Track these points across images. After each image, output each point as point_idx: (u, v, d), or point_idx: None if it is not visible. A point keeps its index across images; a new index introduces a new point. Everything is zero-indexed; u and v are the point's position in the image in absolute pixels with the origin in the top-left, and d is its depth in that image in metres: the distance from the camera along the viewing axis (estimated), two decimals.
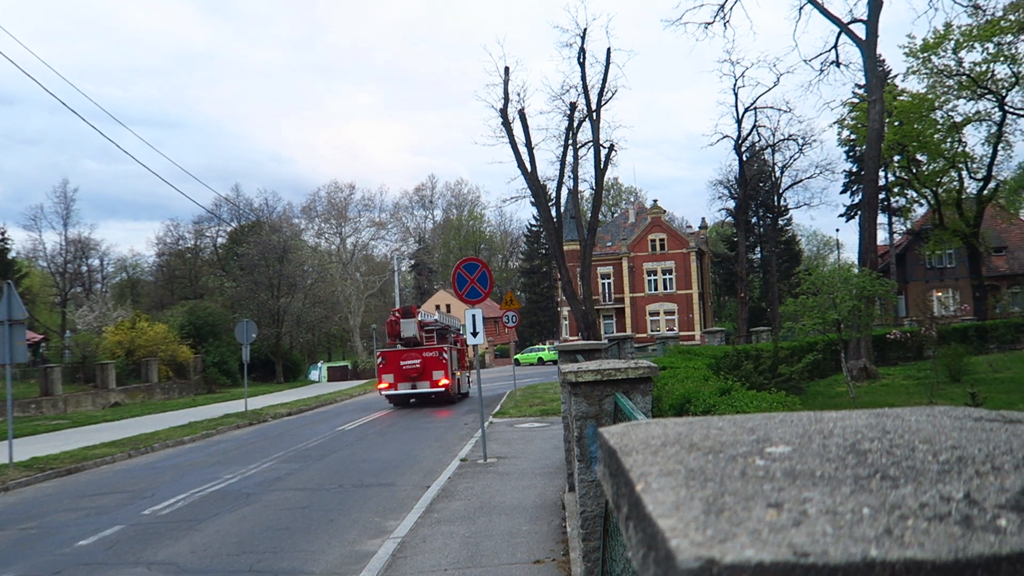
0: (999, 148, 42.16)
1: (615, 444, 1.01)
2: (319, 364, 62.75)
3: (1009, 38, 38.83)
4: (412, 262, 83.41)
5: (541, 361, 57.86)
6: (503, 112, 30.43)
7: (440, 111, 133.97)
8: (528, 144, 30.92)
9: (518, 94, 33.49)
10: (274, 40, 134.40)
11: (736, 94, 47.07)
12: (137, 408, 31.91)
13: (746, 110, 46.56)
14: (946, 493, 0.63)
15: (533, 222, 73.22)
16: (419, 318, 26.50)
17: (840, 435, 0.85)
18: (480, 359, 63.31)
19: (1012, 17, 38.63)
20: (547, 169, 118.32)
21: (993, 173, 43.68)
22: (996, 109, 41.25)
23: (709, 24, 32.48)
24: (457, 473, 12.43)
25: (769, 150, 53.70)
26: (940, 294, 54.89)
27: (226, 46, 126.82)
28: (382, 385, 26.31)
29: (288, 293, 55.72)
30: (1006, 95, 40.45)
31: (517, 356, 57.41)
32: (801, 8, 30.20)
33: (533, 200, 33.33)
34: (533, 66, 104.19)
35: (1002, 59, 39.21)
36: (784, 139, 50.53)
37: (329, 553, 8.30)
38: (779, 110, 53.80)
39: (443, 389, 25.81)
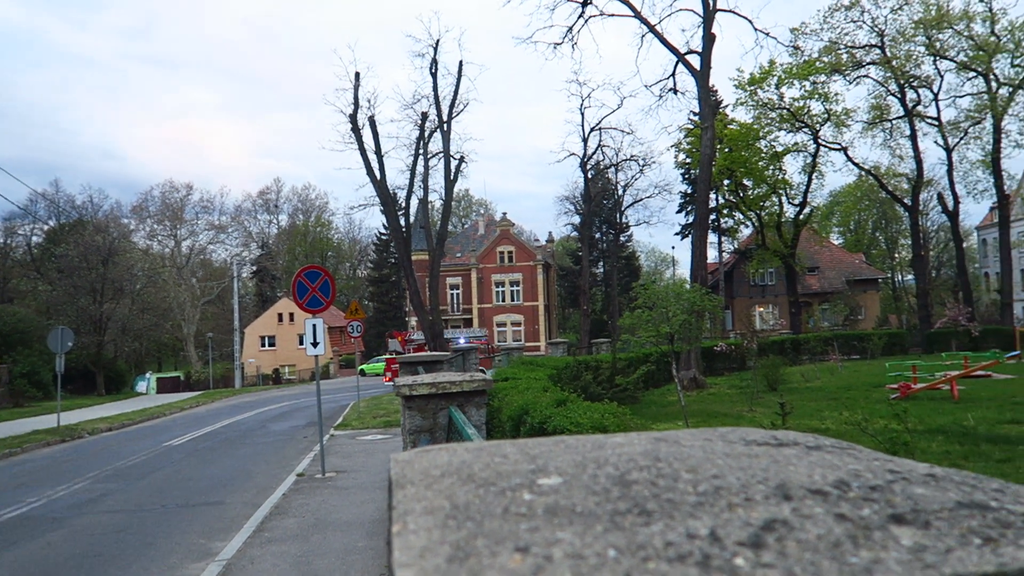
0: (813, 177, 46.46)
1: (395, 474, 0.95)
2: (147, 375, 58.56)
3: (823, 78, 42.95)
4: (254, 268, 79.85)
5: None
6: (353, 118, 29.85)
7: (286, 113, 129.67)
8: (378, 152, 30.51)
9: (368, 101, 33.00)
10: (104, 27, 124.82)
11: (583, 114, 49.13)
12: None
13: (592, 130, 48.43)
14: (693, 529, 0.61)
15: (382, 231, 72.31)
16: (406, 337, 33.95)
17: (614, 464, 0.84)
18: (324, 370, 61.45)
19: (826, 59, 42.78)
20: (397, 178, 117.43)
21: (808, 200, 48.04)
22: (811, 142, 45.44)
23: (558, 44, 33.53)
24: (293, 489, 11.94)
25: (612, 169, 56.14)
26: (762, 309, 59.50)
27: (47, 29, 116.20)
28: (386, 379, 32.68)
29: (113, 298, 51.55)
30: (820, 129, 44.64)
31: (363, 366, 56.31)
32: (643, 36, 31.85)
33: (382, 208, 32.90)
34: (385, 73, 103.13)
35: (817, 97, 43.28)
36: (626, 159, 53.04)
37: None
38: (622, 131, 56.51)
39: None
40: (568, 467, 0.84)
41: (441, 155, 32.30)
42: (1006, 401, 18.05)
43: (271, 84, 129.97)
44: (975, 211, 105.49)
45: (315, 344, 13.16)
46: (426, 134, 32.28)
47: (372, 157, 30.45)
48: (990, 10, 41.21)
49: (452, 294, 63.54)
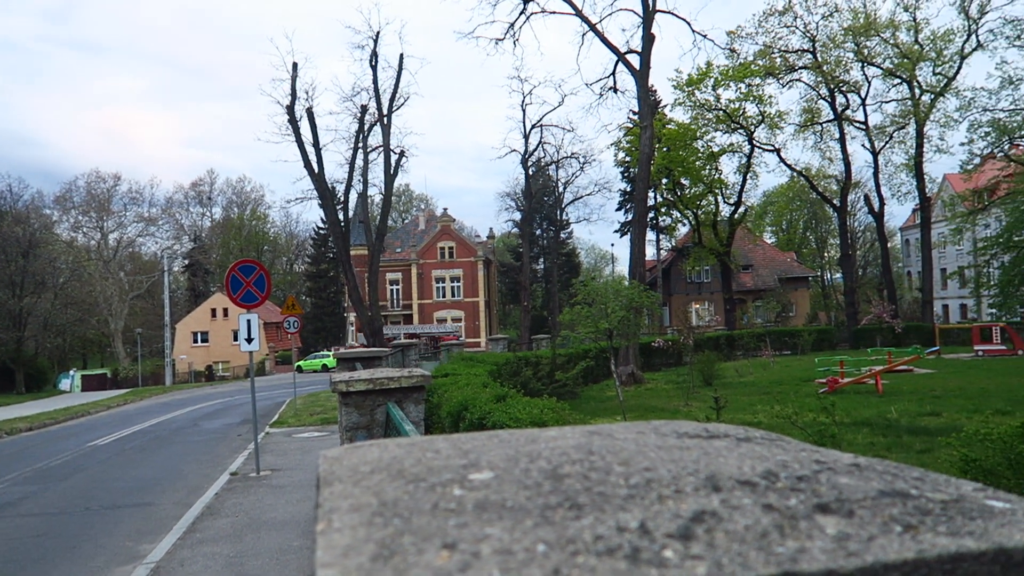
0: (748, 177, 47.62)
1: (324, 471, 0.93)
2: (71, 372, 56.38)
3: (758, 81, 44.03)
4: (186, 262, 77.66)
5: (326, 368, 56.25)
6: (290, 109, 29.27)
7: (220, 102, 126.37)
8: (316, 144, 29.99)
9: (306, 92, 32.40)
10: (24, 8, 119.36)
11: (524, 110, 49.14)
12: None
13: (533, 127, 48.62)
14: (624, 522, 0.61)
15: (320, 225, 71.16)
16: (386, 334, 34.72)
17: (547, 458, 0.83)
18: (259, 366, 60.06)
19: (761, 62, 43.86)
20: (336, 171, 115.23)
21: (743, 199, 49.23)
22: (746, 143, 46.55)
23: (500, 40, 33.49)
24: (226, 488, 11.65)
25: (553, 166, 56.48)
26: (698, 306, 60.76)
27: None
28: None
29: (34, 292, 49.44)
30: (754, 131, 45.76)
31: (300, 363, 55.37)
32: (584, 35, 32.07)
33: (320, 202, 32.35)
34: (323, 64, 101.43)
35: (752, 99, 44.34)
36: (567, 157, 53.46)
37: None
38: (563, 129, 57.08)
39: None
40: (500, 461, 0.83)
41: (381, 149, 31.96)
42: (926, 395, 18.86)
43: (203, 72, 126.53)
44: (899, 212, 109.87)
45: (249, 340, 12.87)
46: (366, 127, 31.88)
47: (310, 150, 29.94)
48: (914, 20, 42.93)
49: (392, 289, 63.01)
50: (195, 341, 64.89)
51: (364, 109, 31.77)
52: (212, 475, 13.07)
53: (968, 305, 59.23)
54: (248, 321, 12.83)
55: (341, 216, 31.88)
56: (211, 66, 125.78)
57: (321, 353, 60.75)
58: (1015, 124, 40.09)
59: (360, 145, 31.77)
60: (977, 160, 41.83)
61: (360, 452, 1.00)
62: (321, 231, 72.00)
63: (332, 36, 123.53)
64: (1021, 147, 41.07)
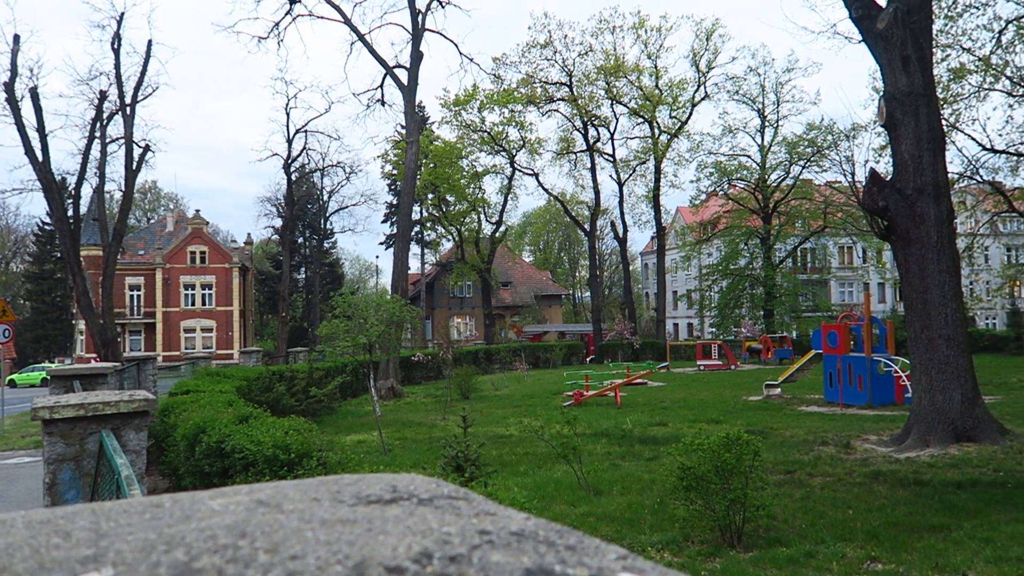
0: (509, 198, 49.87)
1: None
2: None
3: (520, 107, 46.31)
4: None
5: (46, 381, 49.72)
6: (8, 87, 25.64)
7: None
8: (41, 129, 26.52)
9: (31, 69, 28.42)
10: None
11: (288, 114, 47.46)
12: None
13: (297, 131, 47.02)
14: None
15: (46, 220, 63.04)
16: None
17: (188, 544, 0.73)
18: None
19: (523, 90, 46.17)
20: (66, 161, 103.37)
21: (504, 219, 51.42)
22: (508, 165, 48.72)
23: (263, 39, 32.06)
24: None
25: (318, 173, 54.98)
26: (460, 320, 62.22)
27: None
28: None
29: None
30: (516, 154, 48.04)
31: (13, 376, 48.48)
32: (353, 44, 31.67)
33: (45, 195, 28.59)
34: (54, 41, 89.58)
35: (514, 124, 46.54)
36: (333, 165, 52.37)
37: None
38: (329, 136, 55.78)
39: None
40: (131, 552, 0.72)
41: (122, 141, 29.05)
42: (656, 406, 20.81)
43: None
44: (640, 239, 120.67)
45: None
46: (104, 116, 28.80)
47: (33, 135, 26.36)
48: (655, 67, 47.73)
49: (132, 295, 57.37)
50: None
51: (103, 95, 28.68)
52: None
53: (694, 324, 66.57)
54: None
55: (71, 212, 28.46)
56: None
57: (42, 365, 53.59)
58: (733, 167, 45.99)
59: (97, 135, 28.61)
60: (703, 196, 47.35)
61: None
62: (47, 227, 63.80)
63: (65, 10, 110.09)
64: (738, 187, 47.20)
